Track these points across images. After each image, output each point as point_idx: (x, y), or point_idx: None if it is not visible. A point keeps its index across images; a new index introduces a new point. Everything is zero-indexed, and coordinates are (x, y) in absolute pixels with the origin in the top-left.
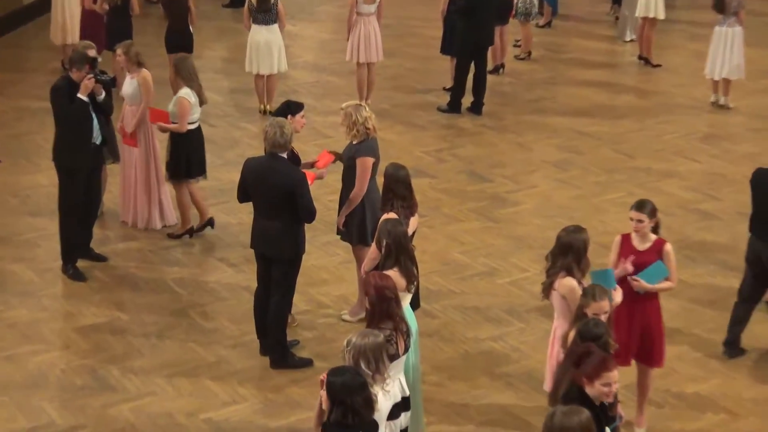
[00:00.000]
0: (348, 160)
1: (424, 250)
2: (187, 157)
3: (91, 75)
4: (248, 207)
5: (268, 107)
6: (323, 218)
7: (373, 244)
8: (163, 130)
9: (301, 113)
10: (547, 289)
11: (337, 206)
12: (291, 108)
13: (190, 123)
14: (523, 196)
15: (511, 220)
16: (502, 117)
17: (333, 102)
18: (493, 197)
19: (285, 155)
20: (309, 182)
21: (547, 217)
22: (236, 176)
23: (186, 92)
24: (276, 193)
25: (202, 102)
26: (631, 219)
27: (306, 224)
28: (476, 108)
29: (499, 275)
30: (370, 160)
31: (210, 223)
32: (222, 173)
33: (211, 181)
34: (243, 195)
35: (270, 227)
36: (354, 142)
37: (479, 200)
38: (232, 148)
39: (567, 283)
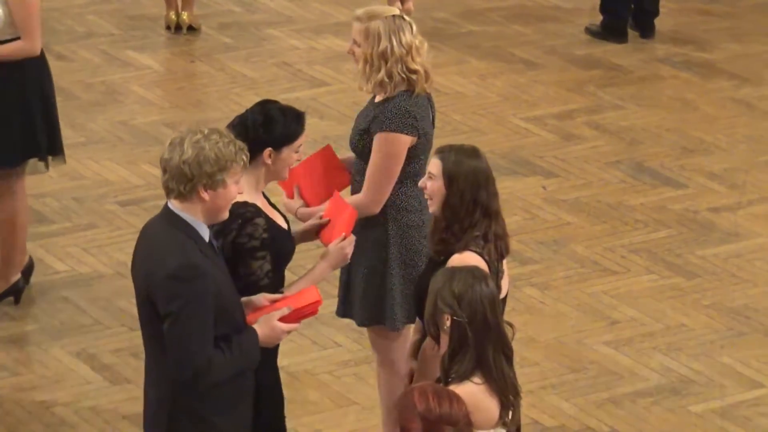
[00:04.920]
0: (358, 139)
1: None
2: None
3: None
4: None
5: (184, 17)
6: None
7: (414, 327)
8: None
9: (298, 143)
10: None
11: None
12: (271, 125)
13: None
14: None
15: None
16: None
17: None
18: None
19: (193, 215)
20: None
21: None
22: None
23: None
24: (138, 304)
25: None
26: None
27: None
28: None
29: None
30: (405, 140)
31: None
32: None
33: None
34: None
35: (146, 389)
36: (377, 99)
37: (655, 227)
38: (102, 112)
39: None
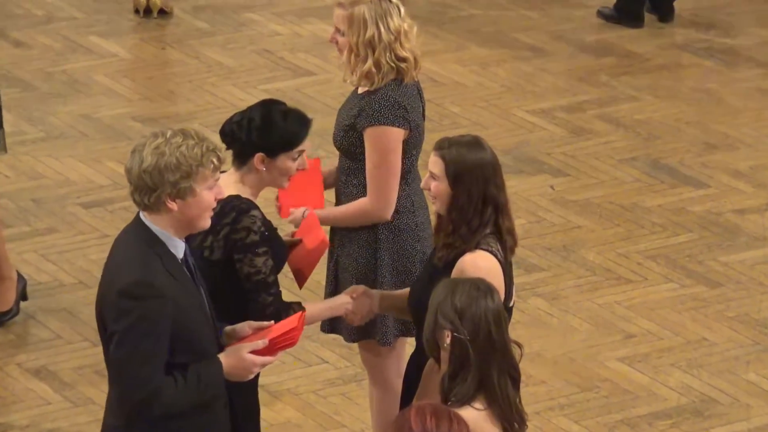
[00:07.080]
0: (343, 135)
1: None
2: None
3: None
4: None
5: None
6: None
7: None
8: None
9: (297, 150)
10: None
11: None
12: (267, 129)
13: None
14: None
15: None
16: None
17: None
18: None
19: (163, 228)
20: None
21: None
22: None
23: None
24: (97, 321)
25: None
26: None
27: None
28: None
29: None
30: (397, 132)
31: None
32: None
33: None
34: None
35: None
36: (360, 91)
37: (674, 231)
38: (63, 104)
39: None
